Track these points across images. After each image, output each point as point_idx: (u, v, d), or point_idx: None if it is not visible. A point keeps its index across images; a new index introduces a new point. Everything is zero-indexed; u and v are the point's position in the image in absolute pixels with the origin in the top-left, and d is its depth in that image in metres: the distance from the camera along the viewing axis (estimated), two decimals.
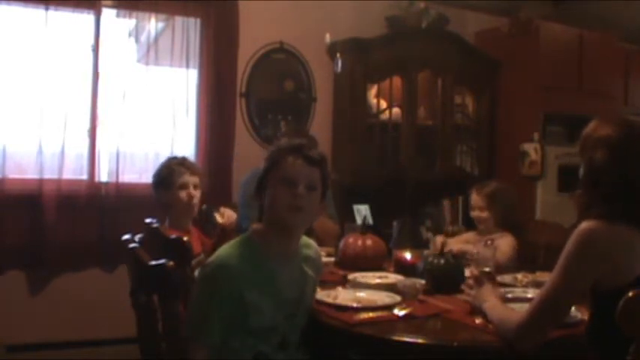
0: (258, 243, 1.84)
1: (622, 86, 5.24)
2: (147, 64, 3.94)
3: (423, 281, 2.31)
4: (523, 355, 1.73)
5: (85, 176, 3.79)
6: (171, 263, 1.76)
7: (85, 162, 3.80)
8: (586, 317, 1.84)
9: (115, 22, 3.85)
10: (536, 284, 2.42)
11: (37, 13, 3.62)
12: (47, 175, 3.63)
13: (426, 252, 2.69)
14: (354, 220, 3.70)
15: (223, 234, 2.67)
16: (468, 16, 5.05)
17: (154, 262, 1.82)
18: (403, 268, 2.64)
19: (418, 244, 2.93)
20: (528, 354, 1.72)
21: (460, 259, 2.54)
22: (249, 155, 3.98)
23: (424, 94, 4.62)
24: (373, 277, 2.50)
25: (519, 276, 2.60)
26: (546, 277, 2.31)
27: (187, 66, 4.02)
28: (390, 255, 2.86)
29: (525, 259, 3.03)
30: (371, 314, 2.03)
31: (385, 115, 4.47)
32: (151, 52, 3.95)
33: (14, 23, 3.64)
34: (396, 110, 4.49)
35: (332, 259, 2.86)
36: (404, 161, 4.49)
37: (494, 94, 4.86)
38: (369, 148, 4.39)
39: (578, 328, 1.84)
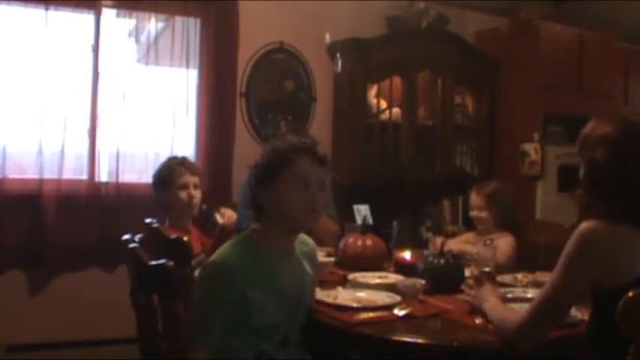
0: (258, 242, 1.84)
1: (622, 86, 5.24)
2: (147, 64, 3.94)
3: (423, 281, 2.31)
4: (523, 355, 1.73)
5: (85, 176, 3.79)
6: (171, 263, 1.76)
7: (85, 162, 3.80)
8: (586, 317, 1.84)
9: (115, 22, 3.85)
10: (536, 284, 2.42)
11: (37, 13, 3.62)
12: (47, 175, 3.63)
13: (426, 252, 2.69)
14: (354, 220, 3.70)
15: (223, 234, 2.67)
16: (468, 16, 5.05)
17: (154, 262, 1.82)
18: (403, 268, 2.64)
19: (418, 244, 2.93)
20: (528, 354, 1.72)
21: (460, 259, 2.54)
22: (249, 155, 3.90)
23: (424, 94, 4.62)
24: (373, 277, 2.50)
25: (519, 276, 2.60)
26: (546, 277, 2.31)
27: (187, 66, 4.02)
28: (390, 255, 2.86)
29: (525, 259, 3.03)
30: (371, 314, 2.03)
31: (385, 115, 4.47)
32: (151, 52, 3.95)
33: (14, 23, 3.64)
34: (396, 110, 4.49)
35: (332, 259, 2.86)
36: (404, 161, 4.49)
37: (494, 94, 4.86)
38: (369, 148, 4.39)
39: (578, 328, 1.84)
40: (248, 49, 4.24)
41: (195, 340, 1.71)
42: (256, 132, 4.29)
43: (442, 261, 2.41)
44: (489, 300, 1.95)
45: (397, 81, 4.47)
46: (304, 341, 1.94)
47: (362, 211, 3.85)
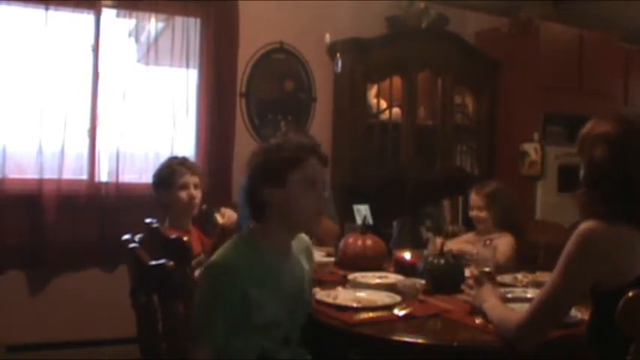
0: (259, 241, 1.84)
1: (622, 86, 5.24)
2: (147, 64, 3.94)
3: (423, 281, 2.31)
4: (523, 355, 1.73)
5: (85, 176, 3.79)
6: (171, 263, 1.76)
7: (85, 162, 3.80)
8: (586, 317, 1.84)
9: (115, 22, 3.85)
10: (536, 284, 2.42)
11: (37, 13, 3.62)
12: (47, 175, 3.63)
13: (425, 252, 2.69)
14: (354, 220, 3.70)
15: (223, 234, 2.67)
16: (468, 16, 5.05)
17: (154, 262, 1.82)
18: (403, 268, 2.64)
19: (418, 244, 2.93)
20: (528, 354, 1.72)
21: (460, 259, 2.54)
22: (249, 155, 3.97)
23: (424, 94, 4.62)
24: (373, 277, 2.50)
25: (519, 276, 2.60)
26: (546, 277, 2.31)
27: (187, 66, 4.02)
28: (390, 255, 2.86)
29: (525, 259, 3.03)
30: (371, 314, 2.03)
31: (385, 115, 4.47)
32: (151, 52, 3.95)
33: (14, 23, 3.64)
34: (396, 110, 4.49)
35: (332, 259, 2.86)
36: (404, 161, 4.49)
37: (494, 94, 4.86)
38: (369, 148, 4.39)
39: (578, 328, 1.84)
40: (248, 49, 4.24)
41: (197, 340, 1.71)
42: (256, 132, 4.29)
43: (442, 261, 2.41)
44: (489, 300, 1.95)
45: (397, 81, 4.47)
46: (304, 341, 1.94)
47: (362, 211, 3.85)
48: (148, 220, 2.50)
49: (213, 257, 1.81)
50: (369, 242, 2.83)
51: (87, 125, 3.78)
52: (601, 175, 1.72)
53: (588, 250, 1.65)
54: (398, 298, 2.16)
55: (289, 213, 1.81)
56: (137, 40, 4.04)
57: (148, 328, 1.91)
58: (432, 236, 2.84)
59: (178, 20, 4.01)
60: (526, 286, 2.47)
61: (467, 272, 2.38)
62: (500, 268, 2.61)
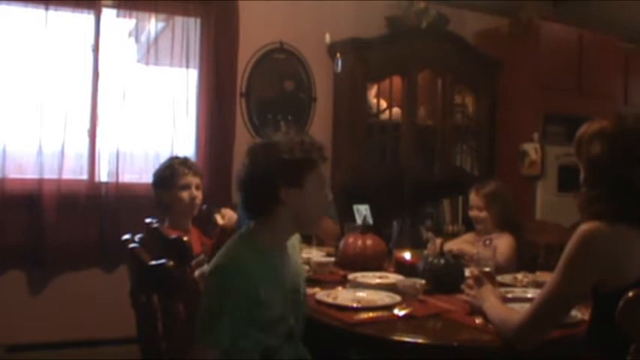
0: (260, 239, 1.83)
1: (622, 86, 5.24)
2: (147, 64, 3.94)
3: (423, 281, 2.31)
4: (523, 355, 1.73)
5: (85, 176, 3.79)
6: (171, 263, 1.76)
7: (85, 162, 3.80)
8: (586, 317, 1.84)
9: (115, 22, 3.84)
10: (536, 284, 2.43)
11: (37, 13, 3.62)
12: (47, 175, 3.63)
13: (425, 252, 2.69)
14: (354, 220, 3.70)
15: (223, 234, 2.67)
16: (467, 16, 5.05)
17: (154, 262, 1.82)
18: (403, 268, 2.64)
19: (418, 244, 2.93)
20: (528, 354, 1.72)
21: (460, 259, 2.54)
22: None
23: (424, 94, 4.62)
24: (373, 277, 2.50)
25: (519, 276, 2.60)
26: (546, 277, 2.32)
27: (187, 66, 4.02)
28: (390, 255, 2.86)
29: (525, 259, 3.03)
30: (371, 314, 2.03)
31: (385, 115, 4.48)
32: (151, 52, 3.95)
33: (14, 23, 3.64)
34: (396, 110, 4.49)
35: (332, 259, 2.86)
36: (404, 161, 4.49)
37: (494, 94, 4.86)
38: (369, 148, 4.39)
39: (578, 328, 1.84)
40: (248, 49, 4.24)
41: (204, 341, 1.70)
42: (256, 132, 4.29)
43: (442, 261, 2.41)
44: (489, 300, 1.95)
45: (397, 81, 4.48)
46: (304, 341, 1.94)
47: (362, 211, 3.86)
48: (148, 220, 2.50)
49: (219, 259, 1.79)
50: (369, 242, 2.83)
51: (87, 125, 3.78)
52: (599, 172, 1.72)
53: (589, 252, 1.64)
54: (398, 298, 2.16)
55: (302, 212, 1.82)
56: (137, 40, 4.04)
57: (148, 328, 1.91)
58: (432, 236, 2.83)
59: (178, 20, 4.01)
60: (526, 286, 2.47)
61: (467, 272, 2.38)
62: (500, 269, 2.61)
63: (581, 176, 1.78)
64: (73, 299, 3.73)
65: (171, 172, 2.76)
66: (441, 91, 4.66)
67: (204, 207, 2.93)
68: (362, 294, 2.24)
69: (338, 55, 4.26)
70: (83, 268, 3.79)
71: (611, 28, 4.98)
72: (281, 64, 4.40)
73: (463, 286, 2.21)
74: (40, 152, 3.62)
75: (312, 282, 2.46)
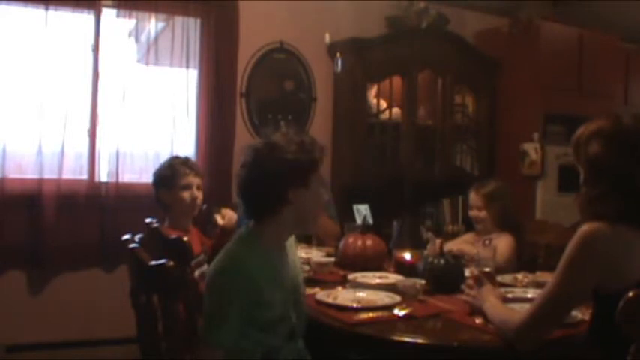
0: (261, 239, 1.83)
1: (622, 86, 5.24)
2: (147, 64, 3.94)
3: (423, 281, 2.31)
4: (523, 355, 1.73)
5: (85, 176, 3.79)
6: (171, 263, 1.76)
7: (85, 162, 3.80)
8: (586, 317, 1.84)
9: (115, 22, 3.84)
10: (536, 284, 2.43)
11: (37, 13, 3.62)
12: (47, 175, 3.63)
13: (425, 252, 2.69)
14: (354, 220, 3.70)
15: (223, 235, 2.68)
16: (467, 16, 5.05)
17: (154, 262, 1.82)
18: (403, 268, 2.64)
19: (418, 244, 2.93)
20: (528, 354, 1.72)
21: (460, 259, 2.54)
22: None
23: (424, 94, 4.62)
24: (373, 277, 2.51)
25: (519, 276, 2.60)
26: (546, 277, 2.32)
27: (187, 66, 4.02)
28: (390, 255, 2.86)
29: (525, 259, 3.03)
30: (371, 314, 2.03)
31: (385, 115, 4.48)
32: (151, 52, 3.95)
33: (14, 23, 3.64)
34: (396, 110, 4.49)
35: (332, 259, 2.86)
36: (404, 161, 4.49)
37: (494, 94, 4.86)
38: (369, 148, 4.39)
39: (578, 328, 1.84)
40: (248, 49, 4.24)
41: (209, 342, 1.70)
42: (256, 132, 4.29)
43: (442, 261, 2.42)
44: (489, 300, 1.95)
45: (397, 81, 4.48)
46: (304, 341, 1.94)
47: (362, 211, 3.85)
48: (148, 220, 2.50)
49: (221, 260, 1.79)
50: (369, 242, 2.83)
51: (87, 125, 3.78)
52: (599, 172, 1.72)
53: (590, 253, 1.64)
54: (398, 298, 2.16)
55: (306, 212, 1.84)
56: (137, 40, 4.04)
57: (148, 328, 1.91)
58: (432, 236, 2.83)
59: (178, 20, 4.01)
60: (526, 286, 2.47)
61: (467, 272, 2.38)
62: (499, 269, 2.61)
63: (581, 178, 1.78)
64: (73, 299, 3.73)
65: (172, 172, 2.75)
66: (441, 91, 4.66)
67: (204, 207, 2.93)
68: (362, 294, 2.24)
69: (338, 55, 4.26)
70: (83, 268, 3.78)
71: (611, 28, 4.98)
72: (281, 64, 4.40)
73: (463, 286, 2.22)
74: (40, 152, 3.61)
75: (312, 282, 2.47)
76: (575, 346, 1.81)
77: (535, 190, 4.63)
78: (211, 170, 3.97)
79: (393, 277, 2.49)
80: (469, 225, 3.56)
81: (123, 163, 3.81)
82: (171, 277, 1.76)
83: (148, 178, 3.65)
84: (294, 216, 1.82)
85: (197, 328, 1.87)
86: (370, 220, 3.58)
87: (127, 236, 2.14)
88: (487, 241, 2.71)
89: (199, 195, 2.79)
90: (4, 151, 3.56)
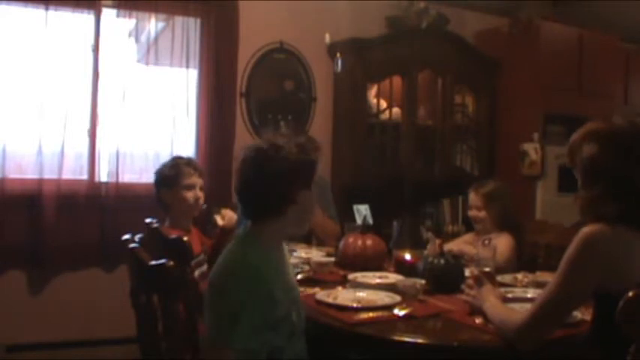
0: (262, 239, 1.83)
1: (622, 86, 5.24)
2: (147, 64, 3.94)
3: (423, 281, 2.31)
4: (523, 356, 1.73)
5: (85, 176, 3.79)
6: (171, 263, 1.76)
7: (85, 162, 3.80)
8: (586, 317, 1.84)
9: (115, 22, 3.84)
10: (536, 284, 2.43)
11: (37, 13, 3.62)
12: (47, 175, 3.63)
13: (425, 252, 2.69)
14: (354, 220, 3.70)
15: (223, 234, 2.68)
16: (467, 16, 5.05)
17: (154, 262, 1.82)
18: (403, 268, 2.64)
19: (418, 244, 2.93)
20: (529, 354, 1.72)
21: (460, 259, 2.54)
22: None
23: (424, 94, 4.62)
24: (373, 277, 2.50)
25: (519, 276, 2.60)
26: (546, 277, 2.32)
27: (187, 66, 4.02)
28: (390, 255, 2.86)
29: (525, 259, 3.03)
30: (371, 314, 2.03)
31: (385, 115, 4.48)
32: (151, 52, 3.95)
33: (14, 23, 3.64)
34: (396, 110, 4.50)
35: (332, 259, 2.86)
36: (404, 161, 4.49)
37: (494, 94, 4.86)
38: (369, 148, 4.39)
39: (579, 328, 1.84)
40: (248, 49, 4.24)
41: (222, 345, 1.68)
42: (256, 132, 4.29)
43: (442, 261, 2.42)
44: (489, 300, 1.95)
45: (397, 81, 4.48)
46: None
47: (362, 211, 3.85)
48: (148, 220, 2.50)
49: (228, 261, 1.78)
50: (369, 242, 2.83)
51: (87, 125, 3.78)
52: (596, 173, 1.72)
53: (591, 254, 1.65)
54: (398, 298, 2.16)
55: (308, 212, 1.87)
56: (137, 40, 4.04)
57: (148, 328, 1.91)
58: (432, 236, 2.83)
59: (178, 20, 4.01)
60: (526, 286, 2.47)
61: (467, 272, 2.38)
62: (499, 269, 2.60)
63: (579, 182, 1.78)
64: (73, 299, 3.73)
65: (176, 171, 2.75)
66: (441, 91, 4.66)
67: (204, 207, 2.93)
68: (362, 294, 2.24)
69: (338, 55, 4.26)
70: (83, 268, 3.78)
71: (611, 28, 4.98)
72: (281, 64, 4.40)
73: (463, 286, 2.22)
74: (40, 152, 3.61)
75: (312, 282, 2.47)
76: (576, 346, 1.80)
77: (535, 190, 4.63)
78: (211, 170, 3.97)
79: (393, 277, 2.49)
80: (469, 225, 3.56)
81: (123, 163, 3.81)
82: (171, 277, 1.76)
83: (148, 178, 3.66)
84: (296, 216, 1.83)
85: (197, 328, 1.87)
86: (370, 220, 3.58)
87: (127, 236, 2.14)
88: (487, 241, 2.70)
89: (202, 196, 2.79)
90: (4, 151, 3.56)
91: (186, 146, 4.04)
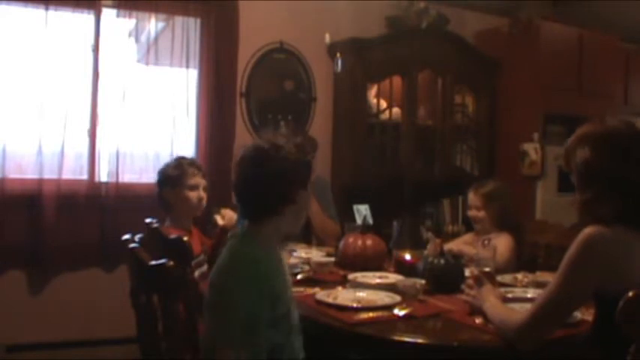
0: (261, 238, 1.83)
1: (622, 86, 5.24)
2: (147, 64, 3.94)
3: (423, 281, 2.31)
4: (523, 355, 1.73)
5: (85, 176, 3.79)
6: (171, 263, 1.76)
7: (85, 162, 3.80)
8: (586, 317, 1.84)
9: (115, 22, 3.84)
10: (537, 284, 2.43)
11: (37, 13, 3.62)
12: (47, 175, 3.63)
13: (425, 252, 2.69)
14: (354, 220, 3.70)
15: (223, 234, 2.67)
16: (467, 16, 5.05)
17: (154, 262, 1.82)
18: (403, 268, 2.64)
19: (418, 244, 2.93)
20: (529, 354, 1.72)
21: (460, 259, 2.54)
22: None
23: (424, 94, 4.62)
24: (373, 277, 2.51)
25: (519, 276, 2.60)
26: (546, 277, 2.32)
27: (187, 66, 4.02)
28: (390, 255, 2.86)
29: (525, 259, 3.03)
30: (371, 314, 2.03)
31: (385, 115, 4.48)
32: (151, 52, 3.95)
33: (14, 23, 3.64)
34: (396, 110, 4.49)
35: (332, 259, 2.86)
36: (404, 161, 4.49)
37: (494, 94, 4.86)
38: (369, 148, 4.39)
39: (579, 328, 1.84)
40: (248, 49, 4.24)
41: (230, 345, 1.67)
42: (256, 132, 4.29)
43: (442, 261, 2.42)
44: (489, 300, 1.95)
45: (397, 81, 4.48)
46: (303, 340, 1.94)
47: (362, 211, 3.86)
48: (148, 220, 2.50)
49: (230, 261, 1.77)
50: (369, 242, 2.83)
51: (87, 125, 3.78)
52: (591, 175, 1.73)
53: (591, 255, 1.65)
54: (398, 298, 2.16)
55: (303, 212, 1.89)
56: (137, 40, 4.04)
57: (148, 328, 1.91)
58: (432, 236, 2.83)
59: (178, 20, 4.01)
60: (526, 286, 2.47)
61: (467, 272, 2.38)
62: (498, 269, 2.60)
63: (575, 186, 1.79)
64: (73, 299, 3.73)
65: (180, 171, 2.76)
66: (441, 91, 4.66)
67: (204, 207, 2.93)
68: (362, 294, 2.24)
69: (338, 55, 4.26)
70: (83, 268, 3.78)
71: (611, 28, 4.98)
72: (281, 64, 4.40)
73: (463, 286, 2.22)
74: (40, 152, 3.61)
75: (312, 282, 2.47)
76: (576, 346, 1.81)
77: (535, 190, 4.63)
78: (211, 170, 3.95)
79: (393, 277, 2.49)
80: (469, 225, 3.56)
81: (123, 163, 3.81)
82: (171, 277, 1.76)
83: (148, 178, 3.67)
84: (294, 215, 1.85)
85: (197, 328, 1.87)
86: (370, 220, 3.58)
87: (127, 236, 2.14)
88: (486, 241, 2.70)
89: (205, 196, 2.80)
90: (4, 151, 3.56)
91: (186, 146, 4.04)
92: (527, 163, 4.63)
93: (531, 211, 4.55)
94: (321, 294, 2.20)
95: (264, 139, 1.88)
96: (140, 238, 2.21)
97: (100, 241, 3.74)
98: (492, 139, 4.87)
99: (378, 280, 2.46)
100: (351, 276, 2.51)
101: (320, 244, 3.38)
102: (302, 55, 4.45)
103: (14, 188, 3.58)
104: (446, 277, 2.38)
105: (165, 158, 3.63)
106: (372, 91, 4.49)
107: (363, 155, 4.35)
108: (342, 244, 2.88)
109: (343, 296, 2.20)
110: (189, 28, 4.04)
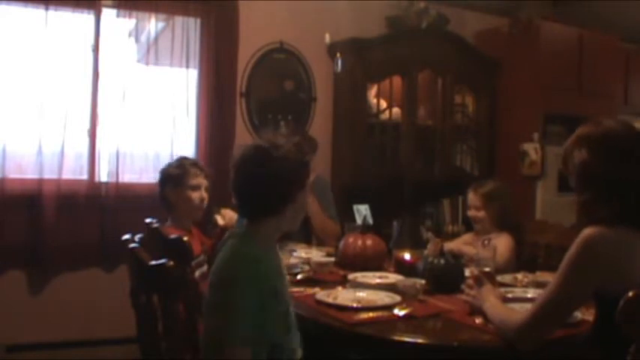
0: (259, 238, 1.83)
1: (622, 86, 5.24)
2: (147, 64, 3.94)
3: (423, 281, 2.31)
4: (523, 355, 1.73)
5: (85, 176, 3.79)
6: (171, 263, 1.76)
7: (85, 162, 3.79)
8: (587, 317, 1.84)
9: (115, 22, 3.84)
10: (537, 284, 2.43)
11: (37, 13, 3.62)
12: (47, 175, 3.62)
13: (425, 252, 2.69)
14: (354, 220, 3.70)
15: (223, 234, 2.67)
16: (467, 16, 5.05)
17: (154, 262, 1.82)
18: (403, 268, 2.64)
19: (418, 244, 2.93)
20: (529, 354, 1.72)
21: (460, 259, 2.54)
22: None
23: (424, 94, 4.62)
24: (373, 277, 2.51)
25: (519, 276, 2.60)
26: (546, 277, 2.32)
27: (187, 66, 4.02)
28: (390, 255, 2.86)
29: (525, 259, 3.03)
30: (371, 314, 2.03)
31: (385, 115, 4.48)
32: (151, 52, 3.94)
33: (14, 23, 3.64)
34: (396, 110, 4.49)
35: (332, 259, 2.86)
36: (404, 161, 4.49)
37: (494, 94, 4.86)
38: (369, 148, 4.39)
39: (579, 328, 1.84)
40: (248, 49, 4.24)
41: (235, 343, 1.66)
42: (256, 132, 4.29)
43: (442, 261, 2.42)
44: (489, 300, 1.95)
45: (397, 81, 4.48)
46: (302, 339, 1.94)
47: (362, 211, 3.86)
48: (148, 220, 2.50)
49: (231, 261, 1.76)
50: (369, 242, 2.83)
51: (87, 125, 3.78)
52: (589, 177, 1.73)
53: (591, 256, 1.65)
54: (398, 298, 2.17)
55: (302, 211, 1.89)
56: (137, 40, 4.03)
57: (148, 328, 1.91)
58: (432, 236, 2.83)
59: (178, 20, 4.01)
60: (526, 286, 2.47)
61: (467, 272, 2.38)
62: (498, 269, 2.60)
63: (574, 187, 1.79)
64: (73, 299, 3.73)
65: (182, 171, 2.77)
66: (441, 91, 4.66)
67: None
68: (362, 294, 2.24)
69: (338, 55, 4.26)
70: (83, 268, 3.78)
71: (611, 28, 4.98)
72: (281, 64, 4.40)
73: (463, 286, 2.22)
74: (40, 152, 3.61)
75: (312, 282, 2.47)
76: (576, 346, 1.81)
77: (535, 190, 4.63)
78: (211, 170, 3.96)
79: (393, 277, 2.49)
80: (469, 225, 3.56)
81: (123, 163, 3.81)
82: (171, 277, 1.77)
83: (148, 178, 3.67)
84: (292, 215, 1.85)
85: (197, 328, 1.87)
86: (370, 220, 3.59)
87: (127, 236, 2.15)
88: (486, 241, 2.70)
89: (206, 197, 2.80)
90: (4, 151, 3.56)
91: (186, 146, 4.04)
92: (527, 163, 4.63)
93: (531, 211, 4.55)
94: (321, 294, 2.20)
95: (263, 139, 1.89)
96: (140, 238, 2.21)
97: (100, 241, 3.74)
98: (492, 139, 4.87)
99: (378, 280, 2.46)
100: (351, 276, 2.52)
101: (320, 244, 3.38)
102: (302, 55, 4.45)
103: (14, 188, 3.58)
104: (446, 277, 2.38)
105: (166, 158, 3.64)
106: (372, 91, 4.49)
107: (363, 155, 4.35)
108: (342, 244, 2.88)
109: (343, 296, 2.20)
110: (189, 28, 4.04)
